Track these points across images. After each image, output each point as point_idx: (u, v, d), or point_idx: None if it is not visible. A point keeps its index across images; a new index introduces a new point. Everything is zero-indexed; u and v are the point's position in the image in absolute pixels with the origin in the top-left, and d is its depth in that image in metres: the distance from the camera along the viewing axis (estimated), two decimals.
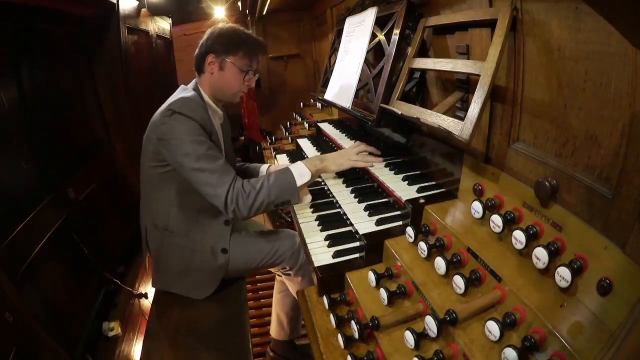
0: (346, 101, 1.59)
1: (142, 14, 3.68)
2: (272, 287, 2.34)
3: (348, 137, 1.94)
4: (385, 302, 0.95)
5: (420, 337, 0.80)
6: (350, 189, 1.42)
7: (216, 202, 1.30)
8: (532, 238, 0.80)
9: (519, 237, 0.80)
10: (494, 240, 0.91)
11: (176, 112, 1.31)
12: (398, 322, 0.88)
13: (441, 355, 0.74)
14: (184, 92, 1.43)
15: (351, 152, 1.48)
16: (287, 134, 2.62)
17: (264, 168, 1.79)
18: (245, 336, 1.37)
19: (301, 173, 1.36)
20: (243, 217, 1.35)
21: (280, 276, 1.81)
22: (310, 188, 1.54)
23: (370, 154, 1.50)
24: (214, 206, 1.32)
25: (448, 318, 0.76)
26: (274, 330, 1.96)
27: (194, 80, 1.51)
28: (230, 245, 1.52)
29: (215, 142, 1.40)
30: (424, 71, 1.32)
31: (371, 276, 1.01)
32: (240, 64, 1.43)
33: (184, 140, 1.29)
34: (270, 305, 2.28)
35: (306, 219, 1.36)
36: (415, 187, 1.24)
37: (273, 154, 2.19)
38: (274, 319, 1.96)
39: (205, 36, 1.47)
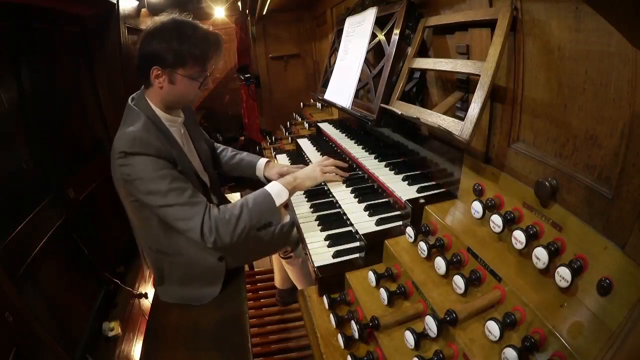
0: (346, 101, 1.59)
1: (142, 14, 3.69)
2: (271, 287, 2.37)
3: (348, 137, 1.94)
4: (385, 302, 0.95)
5: (420, 337, 0.80)
6: (350, 189, 1.42)
7: (192, 236, 1.24)
8: (532, 238, 0.80)
9: (519, 237, 0.80)
10: (494, 240, 0.91)
11: (129, 153, 1.20)
12: (398, 322, 0.88)
13: (441, 355, 0.74)
14: (131, 114, 1.30)
15: (320, 166, 1.48)
16: (287, 134, 2.62)
17: (261, 164, 1.74)
18: (245, 336, 1.37)
19: (279, 193, 1.36)
20: (225, 246, 1.28)
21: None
22: (310, 188, 1.54)
23: (341, 168, 1.52)
24: None
25: (448, 318, 0.76)
26: (277, 282, 2.18)
27: (141, 94, 1.35)
28: (226, 250, 1.49)
29: (179, 160, 1.32)
30: (424, 71, 1.32)
31: (371, 276, 1.01)
32: (193, 73, 1.27)
33: (144, 179, 1.22)
34: (270, 305, 2.31)
35: (306, 219, 1.36)
36: (415, 187, 1.24)
37: (273, 154, 2.19)
38: (276, 271, 2.14)
39: (141, 38, 1.26)
